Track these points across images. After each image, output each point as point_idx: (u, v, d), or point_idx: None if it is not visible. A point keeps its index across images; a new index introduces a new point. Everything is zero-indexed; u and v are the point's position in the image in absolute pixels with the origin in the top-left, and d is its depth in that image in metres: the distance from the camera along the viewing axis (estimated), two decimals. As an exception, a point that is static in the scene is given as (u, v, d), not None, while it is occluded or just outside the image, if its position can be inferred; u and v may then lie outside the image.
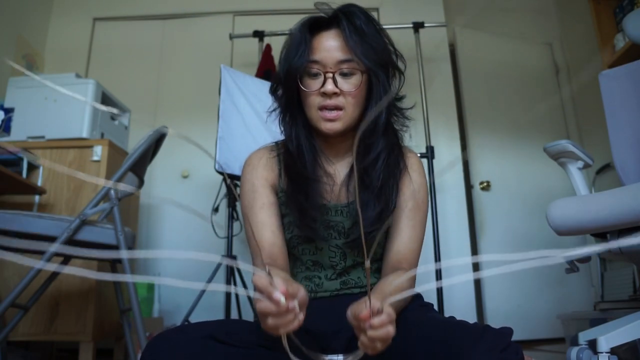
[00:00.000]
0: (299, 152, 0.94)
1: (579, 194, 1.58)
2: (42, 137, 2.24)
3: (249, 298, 2.38)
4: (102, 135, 2.34)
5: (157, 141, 1.72)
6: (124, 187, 1.58)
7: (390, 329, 0.62)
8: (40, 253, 1.46)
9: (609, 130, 1.75)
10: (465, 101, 3.18)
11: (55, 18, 3.27)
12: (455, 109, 3.11)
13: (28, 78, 2.41)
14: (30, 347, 2.24)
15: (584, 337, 1.39)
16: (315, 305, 0.92)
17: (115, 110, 0.58)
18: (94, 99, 2.29)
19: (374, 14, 2.61)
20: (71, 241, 1.46)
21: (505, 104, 3.27)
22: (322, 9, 0.92)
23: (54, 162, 2.20)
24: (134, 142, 1.71)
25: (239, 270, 2.34)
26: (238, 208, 2.32)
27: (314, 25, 0.92)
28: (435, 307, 1.05)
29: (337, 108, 0.89)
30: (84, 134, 2.22)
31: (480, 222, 2.99)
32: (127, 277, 1.53)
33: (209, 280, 2.25)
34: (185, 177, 3.00)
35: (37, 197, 2.13)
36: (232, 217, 2.34)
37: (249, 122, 2.30)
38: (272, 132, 1.02)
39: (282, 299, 0.58)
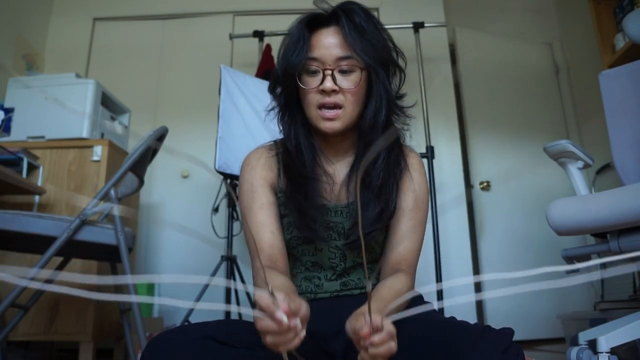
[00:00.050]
0: (297, 151, 0.93)
1: (579, 194, 1.58)
2: (42, 137, 2.24)
3: (249, 297, 2.38)
4: (102, 135, 2.34)
5: (157, 141, 1.72)
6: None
7: (392, 345, 0.62)
8: (39, 253, 1.46)
9: (609, 130, 1.75)
10: (465, 101, 3.18)
11: (55, 18, 3.27)
12: (455, 109, 3.11)
13: (28, 78, 2.41)
14: (30, 347, 2.24)
15: (584, 337, 1.39)
16: (315, 306, 0.92)
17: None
18: (94, 99, 2.29)
19: (374, 14, 2.62)
20: (71, 241, 1.46)
21: (505, 104, 3.27)
22: (321, 7, 0.91)
23: (54, 162, 2.20)
24: (134, 142, 1.71)
25: (239, 271, 2.35)
26: (238, 208, 2.32)
27: (313, 23, 0.91)
28: (435, 307, 1.04)
29: (336, 106, 0.88)
30: (84, 134, 2.22)
31: (480, 222, 2.99)
32: (127, 279, 1.53)
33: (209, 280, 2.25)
34: (185, 177, 3.00)
35: (37, 197, 2.13)
36: (232, 217, 2.34)
37: (249, 122, 2.30)
38: (272, 131, 1.00)
39: (285, 319, 0.58)
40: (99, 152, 2.20)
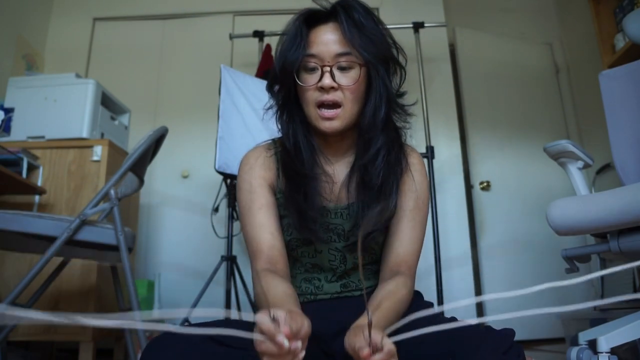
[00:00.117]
0: (296, 150, 0.91)
1: (579, 194, 1.58)
2: (42, 137, 2.24)
3: (249, 298, 2.38)
4: (102, 135, 2.34)
5: (157, 141, 1.72)
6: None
7: None
8: (39, 253, 1.46)
9: (609, 130, 1.75)
10: (465, 101, 3.18)
11: (55, 18, 3.27)
12: (455, 109, 3.11)
13: (28, 78, 2.41)
14: (30, 347, 2.24)
15: (584, 337, 1.39)
16: (315, 307, 0.91)
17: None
18: (94, 99, 2.29)
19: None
20: (71, 241, 1.46)
21: (505, 104, 3.27)
22: (320, 3, 0.90)
23: (54, 162, 2.20)
24: (134, 142, 1.71)
25: (238, 271, 2.35)
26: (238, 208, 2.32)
27: (311, 19, 0.89)
28: (435, 307, 1.04)
29: (335, 103, 0.86)
30: (84, 134, 2.22)
31: (480, 222, 2.99)
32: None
33: (209, 280, 2.26)
34: (185, 177, 3.00)
35: (37, 197, 2.13)
36: (232, 217, 2.34)
37: (249, 122, 2.30)
38: (271, 131, 0.99)
39: (286, 343, 0.57)
40: (99, 152, 2.20)
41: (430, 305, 0.98)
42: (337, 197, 0.93)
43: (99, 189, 2.02)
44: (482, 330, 0.71)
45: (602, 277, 2.59)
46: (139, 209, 2.70)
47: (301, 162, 0.90)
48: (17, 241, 1.56)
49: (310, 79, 0.87)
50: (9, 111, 2.29)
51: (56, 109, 2.27)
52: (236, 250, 2.35)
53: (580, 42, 3.23)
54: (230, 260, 2.29)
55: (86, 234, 1.49)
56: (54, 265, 1.70)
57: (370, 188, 0.89)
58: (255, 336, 0.58)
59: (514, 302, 3.09)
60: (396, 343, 0.78)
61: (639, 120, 1.69)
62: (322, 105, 0.86)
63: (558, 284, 0.42)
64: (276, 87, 0.93)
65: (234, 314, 2.38)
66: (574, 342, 1.41)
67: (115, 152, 2.29)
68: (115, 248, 1.53)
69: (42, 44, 3.17)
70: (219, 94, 2.27)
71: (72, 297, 2.03)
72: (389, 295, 0.82)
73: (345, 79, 0.85)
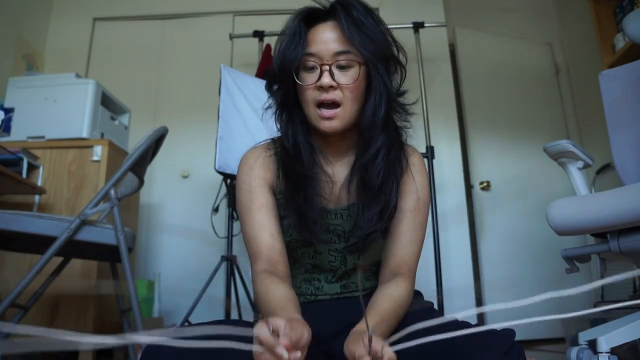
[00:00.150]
0: (295, 150, 0.90)
1: (579, 194, 1.58)
2: (42, 137, 2.24)
3: (249, 298, 2.38)
4: (102, 135, 2.34)
5: (157, 141, 1.72)
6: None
7: None
8: (39, 253, 1.46)
9: (609, 130, 1.75)
10: (465, 101, 3.18)
11: (55, 18, 3.27)
12: (455, 109, 3.11)
13: (28, 78, 2.41)
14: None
15: (584, 337, 1.39)
16: (315, 307, 0.91)
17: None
18: (94, 99, 2.29)
19: (374, 14, 2.61)
20: (71, 241, 1.46)
21: (505, 104, 3.27)
22: (319, 2, 0.89)
23: (54, 162, 2.20)
24: (134, 142, 1.71)
25: (238, 271, 2.35)
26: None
27: (310, 17, 0.88)
28: (435, 307, 1.04)
29: (335, 103, 0.85)
30: (84, 134, 2.22)
31: (480, 222, 2.99)
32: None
33: (209, 280, 2.26)
34: (185, 177, 3.00)
35: (37, 197, 2.13)
36: (232, 217, 2.34)
37: (249, 122, 2.30)
38: (271, 131, 0.99)
39: (285, 355, 0.56)
40: (99, 152, 2.20)
41: (430, 304, 0.98)
42: (337, 198, 0.92)
43: (99, 189, 2.02)
44: (482, 330, 0.71)
45: (602, 278, 2.59)
46: (139, 209, 2.70)
47: (300, 162, 0.89)
48: (17, 241, 1.56)
49: (309, 78, 0.86)
50: (9, 111, 2.29)
51: (56, 109, 2.27)
52: (236, 250, 2.35)
53: (580, 42, 3.23)
54: (230, 260, 2.29)
55: (86, 234, 1.49)
56: (54, 265, 1.70)
57: (370, 188, 0.88)
58: (255, 347, 0.58)
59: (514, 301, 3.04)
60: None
61: (639, 120, 1.69)
62: (321, 104, 0.85)
63: (559, 293, 0.42)
64: (275, 87, 0.93)
65: (233, 316, 2.38)
66: (574, 342, 1.41)
67: (115, 152, 2.29)
68: (115, 248, 1.53)
69: (42, 44, 3.17)
70: (219, 94, 2.28)
71: (72, 297, 2.03)
72: (388, 298, 0.81)
73: (345, 78, 0.85)
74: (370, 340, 0.61)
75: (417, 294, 0.97)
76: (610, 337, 1.30)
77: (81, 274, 2.05)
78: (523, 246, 2.96)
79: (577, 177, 1.59)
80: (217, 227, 2.51)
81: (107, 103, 2.44)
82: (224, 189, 2.44)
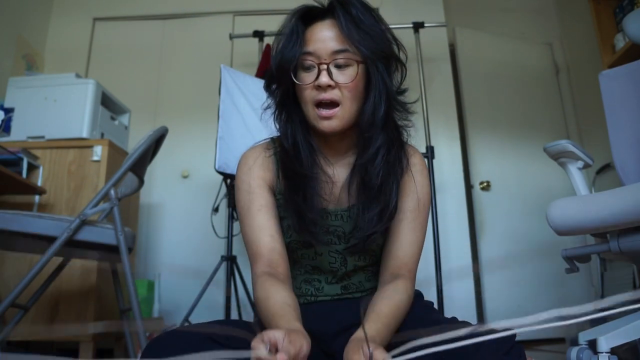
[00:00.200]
0: (295, 150, 0.88)
1: (579, 194, 1.58)
2: (42, 137, 2.24)
3: (249, 298, 2.38)
4: (102, 135, 2.34)
5: (157, 141, 1.72)
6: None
7: None
8: (39, 253, 1.46)
9: (609, 130, 1.75)
10: (465, 101, 3.18)
11: (55, 18, 3.27)
12: (455, 109, 3.11)
13: (28, 78, 2.41)
14: (30, 347, 2.24)
15: (584, 337, 1.39)
16: (315, 308, 0.91)
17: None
18: (94, 99, 2.29)
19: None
20: (71, 241, 1.46)
21: (505, 104, 3.27)
22: (317, 0, 0.88)
23: (54, 162, 2.20)
24: (134, 142, 1.71)
25: (239, 271, 2.35)
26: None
27: (308, 16, 0.87)
28: (435, 306, 1.04)
29: (333, 102, 0.83)
30: (84, 134, 2.22)
31: (480, 222, 2.99)
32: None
33: (209, 280, 2.26)
34: (185, 177, 3.00)
35: (37, 197, 2.13)
36: (232, 217, 2.34)
37: (249, 122, 2.30)
38: (271, 131, 0.98)
39: None
40: (99, 152, 2.20)
41: (430, 304, 0.98)
42: (337, 199, 0.91)
43: (99, 189, 2.02)
44: (483, 330, 0.71)
45: (602, 278, 2.59)
46: (139, 209, 2.70)
47: (300, 163, 0.88)
48: (17, 241, 1.56)
49: (307, 78, 0.84)
50: (9, 111, 2.29)
51: (56, 109, 2.27)
52: (236, 250, 2.35)
53: (580, 42, 3.23)
54: (230, 260, 2.29)
55: (86, 234, 1.49)
56: (54, 265, 1.70)
57: (370, 188, 0.87)
58: None
59: (514, 302, 3.08)
60: (395, 346, 0.78)
61: (639, 120, 1.69)
62: (320, 104, 0.84)
63: (563, 312, 0.42)
64: (274, 86, 0.92)
65: (233, 315, 2.38)
66: (574, 342, 1.41)
67: (115, 152, 2.29)
68: (115, 248, 1.53)
69: (42, 44, 3.17)
70: (219, 94, 2.28)
71: (72, 297, 2.03)
72: (389, 301, 0.80)
73: (343, 77, 0.83)
74: (371, 357, 0.60)
75: (418, 295, 0.97)
76: (610, 337, 1.30)
77: (81, 274, 2.05)
78: (523, 246, 2.96)
79: (577, 177, 1.59)
80: (217, 227, 2.51)
81: (107, 103, 2.44)
82: (224, 189, 2.44)
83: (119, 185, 1.65)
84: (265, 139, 0.98)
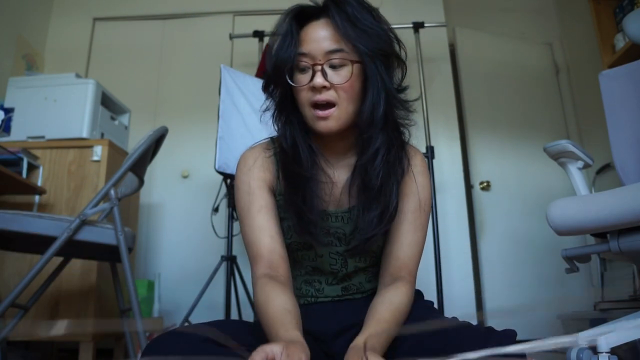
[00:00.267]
0: (294, 152, 0.88)
1: (579, 194, 1.58)
2: (42, 137, 2.24)
3: (249, 298, 2.38)
4: (102, 135, 2.34)
5: (157, 141, 1.72)
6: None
7: None
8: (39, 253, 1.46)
9: (609, 130, 1.75)
10: (465, 101, 3.18)
11: (55, 18, 3.27)
12: (455, 109, 3.11)
13: (28, 78, 2.41)
14: (30, 347, 2.24)
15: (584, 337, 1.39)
16: (316, 308, 0.91)
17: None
18: (94, 99, 2.29)
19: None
20: (71, 241, 1.46)
21: (505, 104, 3.27)
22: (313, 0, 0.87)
23: (54, 162, 2.20)
24: (134, 142, 1.71)
25: (239, 271, 2.35)
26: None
27: (302, 16, 0.86)
28: (435, 306, 1.03)
29: (329, 103, 0.82)
30: (84, 134, 2.22)
31: (480, 222, 2.99)
32: None
33: (209, 281, 2.26)
34: (185, 177, 3.00)
35: (37, 197, 2.13)
36: (232, 217, 2.35)
37: (249, 122, 2.30)
38: (271, 131, 0.98)
39: None
40: (99, 152, 2.20)
41: (430, 304, 0.98)
42: (337, 201, 0.90)
43: (99, 189, 2.02)
44: (484, 330, 0.71)
45: (602, 278, 2.59)
46: (139, 209, 2.70)
47: (299, 164, 0.87)
48: (17, 241, 1.56)
49: (303, 79, 0.83)
50: (9, 111, 2.29)
51: (56, 109, 2.27)
52: (236, 250, 2.35)
53: (580, 42, 3.23)
54: (230, 260, 2.29)
55: (86, 234, 1.49)
56: (54, 265, 1.70)
57: (370, 189, 0.86)
58: None
59: (514, 302, 3.07)
60: (394, 345, 0.78)
61: (639, 120, 1.69)
62: (316, 105, 0.83)
63: (562, 339, 0.41)
64: (271, 88, 0.91)
65: (233, 315, 2.38)
66: (574, 342, 1.41)
67: (115, 152, 2.29)
68: (115, 248, 1.53)
69: (42, 44, 3.17)
70: (219, 94, 2.28)
71: (72, 297, 2.03)
72: (389, 305, 0.80)
73: (338, 77, 0.82)
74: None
75: (418, 294, 0.97)
76: (610, 337, 1.30)
77: (81, 274, 2.05)
78: (523, 246, 2.96)
79: (577, 177, 1.59)
80: (217, 227, 2.51)
81: (107, 103, 2.44)
82: (224, 189, 2.44)
83: (119, 185, 1.65)
84: (264, 139, 0.98)
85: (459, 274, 2.80)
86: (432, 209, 2.48)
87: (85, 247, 1.58)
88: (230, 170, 2.17)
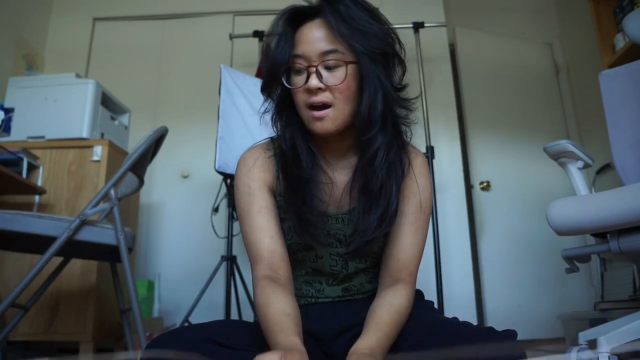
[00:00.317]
0: (294, 153, 0.87)
1: (579, 194, 1.58)
2: (42, 137, 2.24)
3: (249, 298, 2.38)
4: (102, 135, 2.34)
5: (157, 141, 1.72)
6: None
7: None
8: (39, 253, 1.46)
9: (609, 130, 1.75)
10: (465, 101, 3.18)
11: (55, 18, 3.27)
12: (455, 109, 3.11)
13: (28, 78, 2.41)
14: (30, 347, 2.24)
15: (584, 337, 1.39)
16: (316, 309, 0.91)
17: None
18: (94, 99, 2.29)
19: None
20: (71, 241, 1.46)
21: (505, 104, 3.27)
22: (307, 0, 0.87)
23: (54, 162, 2.20)
24: (134, 142, 1.71)
25: (239, 271, 2.35)
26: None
27: (297, 17, 0.85)
28: (435, 306, 1.03)
29: (325, 104, 0.81)
30: (84, 134, 2.22)
31: (480, 222, 2.99)
32: None
33: (209, 281, 2.26)
34: (185, 177, 3.00)
35: (37, 197, 2.13)
36: (232, 217, 2.35)
37: (249, 122, 2.30)
38: (271, 131, 0.97)
39: None
40: (99, 152, 2.20)
41: (430, 304, 0.98)
42: (338, 202, 0.89)
43: (99, 189, 2.02)
44: (484, 330, 0.71)
45: (602, 278, 2.59)
46: (139, 209, 2.70)
47: (299, 165, 0.87)
48: (17, 241, 1.56)
49: (298, 81, 0.83)
50: (9, 111, 2.29)
51: (56, 109, 2.27)
52: (236, 250, 2.35)
53: (580, 42, 3.23)
54: (230, 260, 2.29)
55: (86, 234, 1.49)
56: (54, 265, 1.70)
57: (370, 191, 0.85)
58: None
59: (514, 302, 3.09)
60: (395, 345, 0.78)
61: (639, 120, 1.69)
62: (312, 106, 0.83)
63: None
64: (269, 90, 0.91)
65: (233, 315, 2.38)
66: (574, 342, 1.41)
67: (115, 152, 2.30)
68: (115, 248, 1.53)
69: (42, 44, 3.17)
70: (219, 94, 2.28)
71: (72, 297, 2.03)
72: (389, 307, 0.79)
73: (333, 79, 0.81)
74: None
75: (418, 294, 0.97)
76: (610, 337, 1.30)
77: (81, 274, 2.05)
78: (523, 246, 2.96)
79: (577, 177, 1.59)
80: (217, 227, 2.51)
81: (107, 103, 2.44)
82: (224, 189, 2.44)
83: (119, 185, 1.65)
84: (264, 139, 0.97)
85: (459, 274, 2.81)
86: (433, 209, 2.48)
87: (85, 247, 1.58)
88: (230, 170, 2.17)
